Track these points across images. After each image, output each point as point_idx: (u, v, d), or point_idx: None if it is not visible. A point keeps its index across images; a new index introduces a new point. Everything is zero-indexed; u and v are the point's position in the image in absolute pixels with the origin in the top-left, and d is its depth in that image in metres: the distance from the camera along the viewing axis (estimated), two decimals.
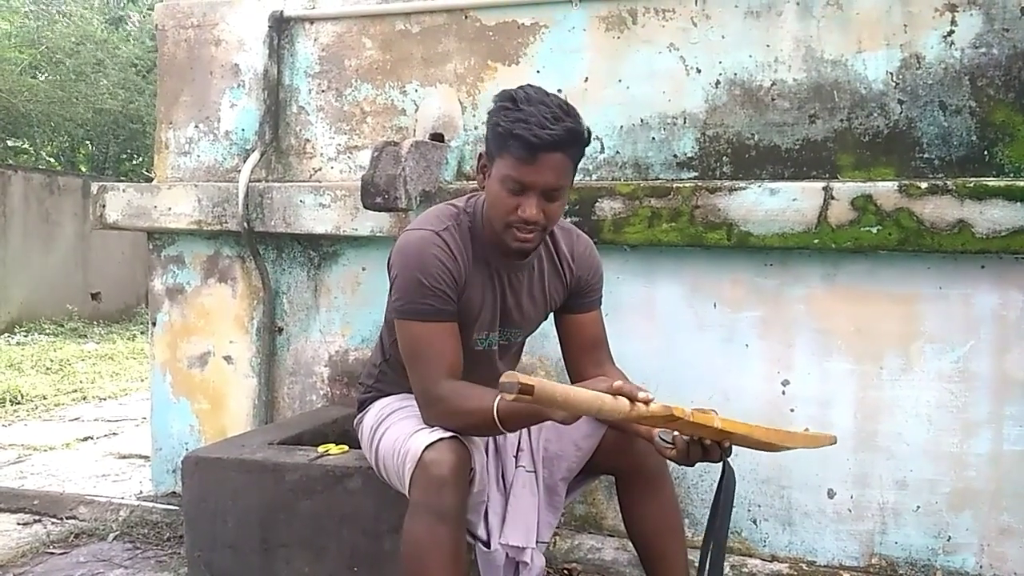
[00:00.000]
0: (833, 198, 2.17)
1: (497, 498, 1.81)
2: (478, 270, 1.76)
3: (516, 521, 1.78)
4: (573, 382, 1.89)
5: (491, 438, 1.83)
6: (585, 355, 1.87)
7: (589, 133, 1.68)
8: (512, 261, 1.79)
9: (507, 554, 1.77)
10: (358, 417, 1.97)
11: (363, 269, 2.74)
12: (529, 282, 1.83)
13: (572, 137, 1.62)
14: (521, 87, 1.66)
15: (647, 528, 1.82)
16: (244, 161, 2.82)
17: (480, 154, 1.74)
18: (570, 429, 1.77)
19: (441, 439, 1.60)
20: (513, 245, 1.69)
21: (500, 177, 1.64)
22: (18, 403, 4.98)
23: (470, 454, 1.63)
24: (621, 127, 2.48)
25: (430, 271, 1.67)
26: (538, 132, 1.57)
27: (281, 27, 2.83)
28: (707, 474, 2.40)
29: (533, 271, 1.83)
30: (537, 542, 1.80)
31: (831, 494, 2.30)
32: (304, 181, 2.81)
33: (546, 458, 1.85)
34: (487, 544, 1.78)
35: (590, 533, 2.49)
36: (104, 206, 2.97)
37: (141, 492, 3.11)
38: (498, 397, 1.53)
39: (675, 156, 2.43)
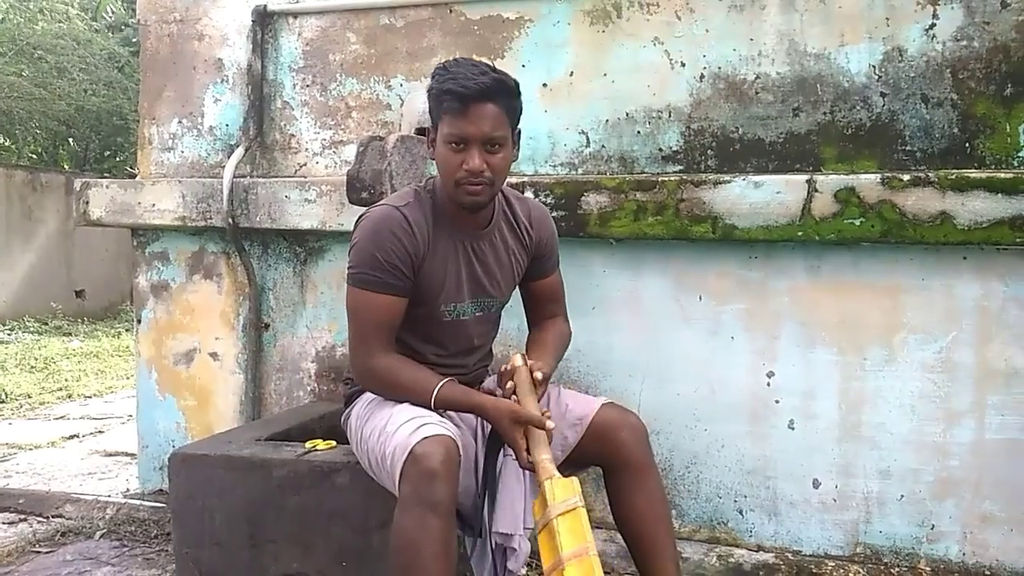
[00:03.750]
0: (816, 191, 2.18)
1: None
2: (441, 243, 1.82)
3: (504, 509, 1.81)
4: (529, 331, 2.05)
5: (479, 427, 1.86)
6: (542, 309, 2.04)
7: (517, 85, 1.77)
8: (476, 231, 1.86)
9: (496, 541, 1.80)
10: (345, 412, 1.98)
11: None
12: (494, 250, 1.89)
13: (500, 86, 1.72)
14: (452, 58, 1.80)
15: (635, 519, 1.83)
16: (228, 157, 2.80)
17: (426, 129, 1.83)
18: (557, 419, 1.80)
19: (430, 435, 1.61)
20: (465, 201, 1.76)
21: (442, 138, 1.75)
22: (2, 402, 4.95)
23: (459, 448, 1.64)
24: (606, 121, 2.48)
25: (385, 245, 1.75)
26: (466, 83, 1.69)
27: (264, 21, 2.81)
28: (693, 466, 2.42)
29: (496, 239, 1.90)
30: (523, 528, 1.82)
31: (816, 484, 2.32)
32: (289, 176, 2.80)
33: None
34: (478, 532, 1.79)
35: None
36: (87, 203, 2.95)
37: (128, 490, 3.10)
38: (439, 385, 1.73)
39: (660, 150, 2.44)
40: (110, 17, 11.66)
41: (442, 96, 1.72)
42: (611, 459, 1.84)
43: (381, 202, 1.86)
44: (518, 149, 1.84)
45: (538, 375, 1.75)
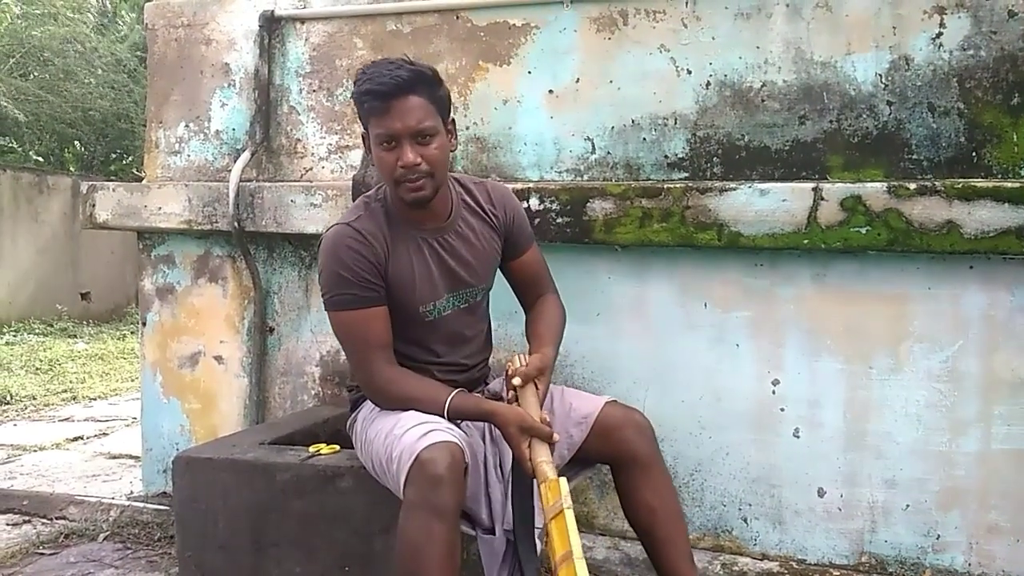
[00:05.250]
0: (823, 199, 2.18)
1: (497, 485, 1.83)
2: (402, 245, 1.83)
3: (517, 508, 1.81)
4: (526, 317, 2.04)
5: (488, 428, 1.87)
6: (530, 290, 2.04)
7: (436, 74, 1.78)
8: (438, 225, 1.87)
9: (507, 539, 1.80)
10: (351, 417, 1.98)
11: None
12: (463, 239, 1.90)
13: (418, 77, 1.73)
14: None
15: (645, 513, 1.84)
16: (235, 161, 2.81)
17: (362, 135, 1.84)
18: (562, 418, 1.80)
19: (437, 441, 1.61)
20: (408, 197, 1.77)
21: (374, 140, 1.76)
22: (7, 403, 4.96)
23: (464, 454, 1.65)
24: (612, 128, 2.48)
25: (345, 263, 1.77)
26: (383, 81, 1.71)
27: (272, 27, 2.82)
28: (698, 474, 2.41)
29: (462, 227, 1.90)
30: (535, 527, 1.82)
31: (821, 493, 2.31)
32: (295, 181, 2.80)
33: None
34: (490, 530, 1.79)
35: (582, 532, 2.47)
36: (94, 205, 2.96)
37: (132, 492, 3.10)
38: (449, 397, 1.73)
39: (666, 157, 2.44)
40: (124, 26, 11.69)
41: (363, 99, 1.74)
42: (618, 456, 1.85)
43: (334, 222, 1.89)
44: (455, 138, 1.85)
45: (516, 380, 1.75)
